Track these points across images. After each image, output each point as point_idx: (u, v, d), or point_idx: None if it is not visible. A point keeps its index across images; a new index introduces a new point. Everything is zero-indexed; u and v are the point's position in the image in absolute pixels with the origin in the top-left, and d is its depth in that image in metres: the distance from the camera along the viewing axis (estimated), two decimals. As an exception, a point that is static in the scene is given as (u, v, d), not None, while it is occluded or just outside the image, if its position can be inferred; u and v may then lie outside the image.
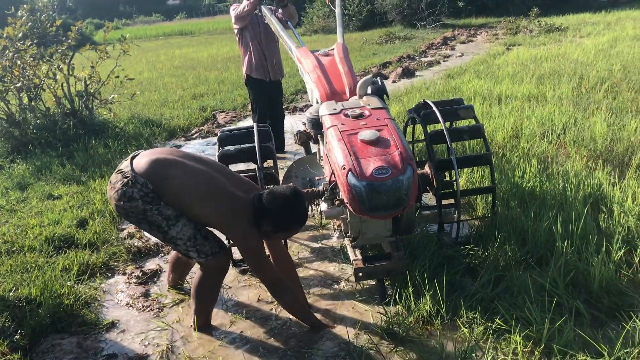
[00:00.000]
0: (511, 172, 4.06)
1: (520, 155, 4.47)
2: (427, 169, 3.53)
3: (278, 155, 5.71)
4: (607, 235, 3.06)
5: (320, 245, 3.70)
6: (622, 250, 2.88)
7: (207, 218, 2.60)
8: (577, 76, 7.66)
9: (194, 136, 7.16)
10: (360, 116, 2.97)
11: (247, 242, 2.57)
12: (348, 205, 2.65)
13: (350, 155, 2.63)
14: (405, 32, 19.03)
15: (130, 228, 4.19)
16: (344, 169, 2.60)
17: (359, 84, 3.30)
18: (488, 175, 4.07)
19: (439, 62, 11.86)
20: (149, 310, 3.08)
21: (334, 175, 2.82)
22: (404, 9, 21.58)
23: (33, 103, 6.67)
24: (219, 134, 3.54)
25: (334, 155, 2.76)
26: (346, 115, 2.98)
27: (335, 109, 3.08)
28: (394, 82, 9.87)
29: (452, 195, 3.48)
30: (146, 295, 3.25)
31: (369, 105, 3.11)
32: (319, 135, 3.46)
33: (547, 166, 4.27)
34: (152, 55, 20.30)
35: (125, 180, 2.50)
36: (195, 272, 2.87)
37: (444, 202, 3.51)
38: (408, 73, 10.39)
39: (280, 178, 3.95)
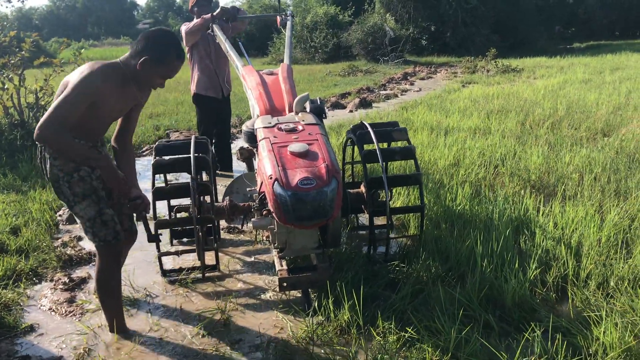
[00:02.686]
0: (445, 196, 4.18)
1: (457, 182, 4.61)
2: (362, 188, 3.62)
3: (226, 173, 5.77)
4: (525, 256, 3.19)
5: (253, 259, 3.73)
6: (538, 270, 3.00)
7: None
8: (523, 113, 7.96)
9: (144, 153, 7.14)
10: (293, 130, 3.05)
11: (87, 73, 2.47)
12: (274, 214, 2.71)
13: (278, 166, 2.70)
14: (368, 66, 19.42)
15: (65, 237, 4.14)
16: (271, 178, 2.67)
17: (295, 100, 3.39)
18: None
19: (396, 96, 12.13)
20: (71, 315, 3.05)
21: (264, 186, 2.88)
22: (368, 44, 22.05)
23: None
24: (156, 144, 3.57)
25: (263, 165, 2.83)
26: (280, 129, 3.06)
27: (270, 123, 3.16)
28: (350, 111, 10.05)
29: (384, 213, 3.57)
30: (71, 301, 3.21)
31: (303, 120, 3.20)
32: (254, 149, 3.53)
33: (480, 192, 4.42)
34: (115, 75, 20.14)
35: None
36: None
37: (379, 221, 3.60)
38: (365, 104, 10.60)
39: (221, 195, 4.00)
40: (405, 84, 14.61)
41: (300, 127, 3.09)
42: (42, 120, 2.40)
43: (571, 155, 5.26)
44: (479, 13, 24.14)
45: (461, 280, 3.07)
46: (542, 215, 3.74)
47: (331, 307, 2.76)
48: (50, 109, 2.43)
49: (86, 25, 68.09)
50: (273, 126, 3.10)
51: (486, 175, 4.90)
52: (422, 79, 16.01)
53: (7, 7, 72.99)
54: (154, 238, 3.11)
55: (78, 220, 2.66)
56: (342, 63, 20.38)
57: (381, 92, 12.93)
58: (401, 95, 12.36)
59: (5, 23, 7.24)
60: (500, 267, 3.00)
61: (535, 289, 2.94)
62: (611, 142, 5.83)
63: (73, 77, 2.52)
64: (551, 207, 3.87)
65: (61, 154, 2.54)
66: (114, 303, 2.81)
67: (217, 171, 5.87)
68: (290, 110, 3.50)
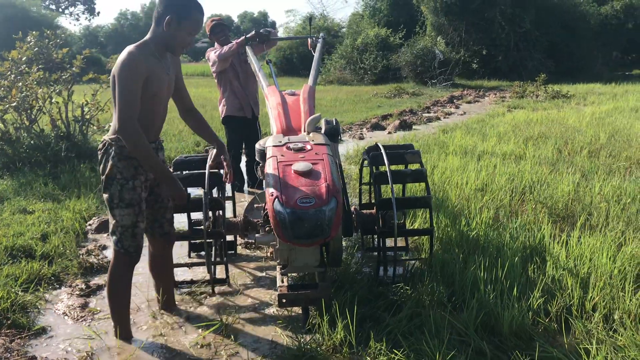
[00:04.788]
0: (462, 220, 4.15)
1: (478, 207, 4.56)
2: (375, 209, 3.65)
3: (256, 191, 5.89)
4: (531, 284, 3.13)
5: (264, 274, 3.80)
6: (542, 299, 2.95)
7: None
8: (563, 140, 7.80)
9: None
10: (301, 150, 3.12)
11: (124, 57, 2.62)
12: (274, 231, 2.77)
13: (280, 184, 2.78)
14: (415, 89, 19.42)
15: (91, 245, 4.32)
16: (272, 195, 2.74)
17: (307, 120, 3.47)
18: (441, 221, 4.18)
19: (439, 119, 12.08)
20: (82, 320, 3.19)
21: (267, 203, 2.96)
22: (417, 67, 22.04)
23: (29, 124, 6.94)
24: (175, 159, 3.71)
25: (267, 183, 2.91)
26: (288, 148, 3.13)
27: (280, 142, 3.24)
28: (389, 133, 10.08)
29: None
30: (84, 306, 3.35)
31: (313, 140, 3.26)
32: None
33: (500, 218, 4.36)
34: (168, 92, 20.81)
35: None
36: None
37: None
38: (405, 126, 10.59)
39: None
40: (450, 107, 14.52)
41: (308, 147, 3.15)
42: (117, 118, 2.60)
43: (601, 185, 5.12)
44: (533, 37, 23.83)
45: (463, 306, 3.05)
46: (557, 244, 3.66)
47: (325, 325, 2.79)
48: (117, 106, 2.60)
49: (148, 43, 70.43)
50: (282, 145, 3.18)
51: (510, 202, 4.83)
52: (469, 102, 15.87)
53: (75, 25, 76.85)
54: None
55: (110, 220, 2.81)
56: (390, 85, 20.44)
57: (424, 114, 12.89)
58: (444, 118, 12.29)
59: (59, 40, 7.61)
60: (501, 295, 2.97)
61: (538, 318, 2.88)
62: (648, 173, 5.66)
63: (115, 67, 2.65)
64: (567, 236, 3.79)
65: (136, 152, 2.68)
66: (121, 309, 2.93)
67: (249, 188, 6.02)
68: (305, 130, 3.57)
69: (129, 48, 2.69)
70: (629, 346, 2.55)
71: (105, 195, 2.78)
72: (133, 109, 2.61)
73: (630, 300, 2.93)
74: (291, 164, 2.93)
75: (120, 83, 2.60)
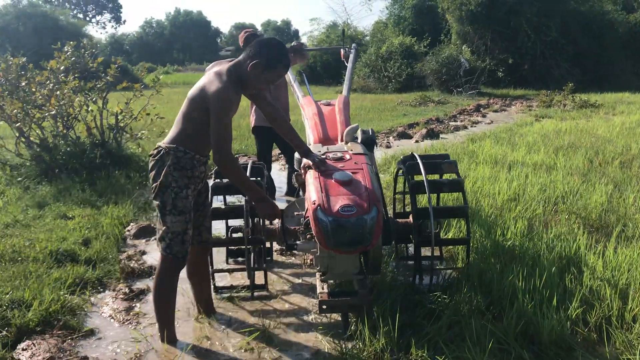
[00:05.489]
0: (497, 230, 4.18)
1: (511, 217, 4.58)
2: (411, 218, 3.70)
3: (291, 198, 5.97)
4: (569, 294, 3.15)
5: (300, 281, 3.87)
6: (580, 309, 2.97)
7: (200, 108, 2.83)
8: (593, 150, 7.75)
9: (209, 175, 7.47)
10: (340, 159, 3.20)
11: (222, 92, 2.75)
12: (316, 239, 2.84)
13: (322, 192, 2.85)
14: (440, 97, 19.39)
15: (130, 251, 4.44)
16: (314, 204, 2.81)
17: (345, 131, 3.55)
18: (476, 231, 4.22)
19: (466, 127, 12.07)
20: (128, 323, 3.29)
21: (309, 211, 3.03)
22: (442, 75, 22.00)
23: (66, 131, 7.13)
24: (215, 168, 3.81)
25: (309, 191, 2.99)
26: (328, 157, 3.21)
27: (320, 151, 3.32)
28: (416, 141, 10.10)
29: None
30: (129, 310, 3.46)
31: (351, 150, 3.34)
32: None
33: (534, 228, 4.38)
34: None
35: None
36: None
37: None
38: (432, 134, 10.61)
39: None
40: (477, 116, 14.48)
41: (347, 156, 3.23)
42: (215, 150, 2.77)
43: (635, 196, 5.11)
44: (559, 46, 23.59)
45: (501, 314, 3.08)
46: (593, 254, 3.67)
47: (367, 332, 2.84)
48: (214, 138, 2.76)
49: (172, 51, 71.59)
50: (322, 154, 3.26)
51: (544, 212, 4.84)
52: (495, 111, 15.81)
53: (101, 32, 78.23)
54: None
55: (160, 227, 2.89)
56: (415, 93, 20.43)
57: (451, 123, 12.90)
58: (471, 127, 12.28)
59: (94, 50, 7.82)
60: (540, 304, 2.99)
61: (577, 328, 2.90)
62: (683, 184, 5.61)
63: (212, 97, 2.76)
64: (605, 247, 3.79)
65: (233, 178, 2.90)
66: (166, 313, 3.01)
67: (284, 196, 6.11)
68: (342, 140, 3.65)
69: (224, 78, 2.81)
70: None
71: (156, 202, 2.87)
72: (229, 142, 2.81)
73: (671, 311, 2.94)
74: (332, 173, 3.01)
75: (218, 117, 2.75)
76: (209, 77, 2.88)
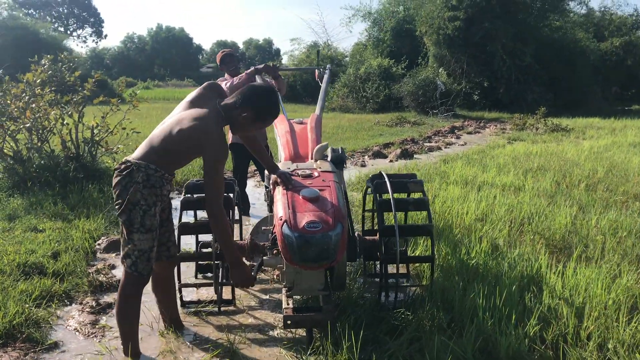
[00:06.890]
0: (462, 249, 4.27)
1: (478, 237, 4.68)
2: (377, 236, 3.77)
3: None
4: (528, 312, 3.24)
5: (267, 297, 3.91)
6: (538, 327, 3.06)
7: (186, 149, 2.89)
8: (561, 173, 7.95)
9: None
10: (309, 176, 3.28)
11: (223, 146, 2.86)
12: (282, 254, 2.89)
13: (289, 208, 2.91)
14: (416, 118, 19.66)
15: (100, 264, 4.44)
16: (281, 219, 2.87)
17: (315, 149, 3.63)
18: (442, 249, 4.31)
19: (440, 148, 12.26)
20: (93, 336, 3.29)
21: (276, 227, 3.09)
22: (419, 97, 22.32)
23: (40, 144, 7.10)
24: (186, 183, 3.85)
25: (276, 207, 3.05)
26: (297, 175, 3.28)
27: (289, 168, 3.39)
28: (391, 161, 10.23)
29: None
30: (95, 323, 3.46)
31: (320, 168, 3.42)
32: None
33: (499, 248, 4.48)
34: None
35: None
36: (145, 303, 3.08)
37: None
38: (406, 155, 10.76)
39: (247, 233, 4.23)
40: (451, 138, 14.70)
41: (316, 174, 3.30)
42: (207, 198, 2.89)
43: (598, 218, 5.26)
44: (533, 70, 24.15)
45: (462, 331, 3.15)
46: (554, 274, 3.78)
47: (329, 347, 2.89)
48: (207, 186, 2.88)
49: (153, 67, 71.46)
50: (291, 172, 3.33)
51: (509, 232, 4.96)
52: (470, 133, 16.08)
53: (82, 47, 77.74)
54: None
55: (126, 244, 2.86)
56: (392, 114, 20.68)
57: (425, 144, 13.09)
58: (445, 148, 12.47)
59: (72, 64, 7.82)
60: (499, 321, 3.08)
61: (534, 345, 2.99)
62: (644, 207, 5.79)
63: (206, 140, 2.81)
64: (564, 267, 3.91)
65: (217, 229, 2.95)
66: (130, 328, 3.01)
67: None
68: (312, 158, 3.72)
69: (213, 124, 2.86)
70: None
71: (122, 219, 2.84)
72: (221, 191, 2.92)
73: (624, 330, 3.04)
74: (299, 190, 3.07)
75: (216, 170, 2.86)
76: (204, 117, 2.86)
